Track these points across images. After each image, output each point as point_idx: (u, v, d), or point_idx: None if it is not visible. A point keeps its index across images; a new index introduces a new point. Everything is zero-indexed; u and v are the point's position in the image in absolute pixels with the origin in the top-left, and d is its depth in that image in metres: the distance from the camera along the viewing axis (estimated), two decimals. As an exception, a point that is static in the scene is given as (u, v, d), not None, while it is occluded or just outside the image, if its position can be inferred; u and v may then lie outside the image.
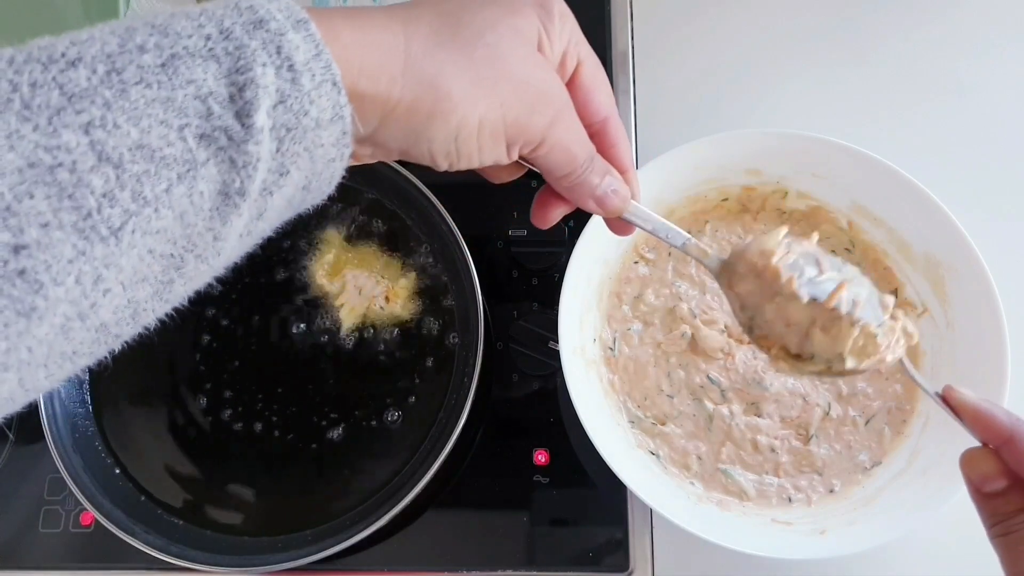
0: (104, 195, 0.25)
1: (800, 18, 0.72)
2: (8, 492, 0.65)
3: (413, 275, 0.65)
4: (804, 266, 0.39)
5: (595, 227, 0.57)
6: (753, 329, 0.41)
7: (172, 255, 0.28)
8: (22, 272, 0.24)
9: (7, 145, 0.23)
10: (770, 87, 0.70)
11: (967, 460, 0.35)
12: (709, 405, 0.58)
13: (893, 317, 0.40)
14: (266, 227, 0.31)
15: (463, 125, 0.32)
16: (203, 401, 0.64)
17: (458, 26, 0.32)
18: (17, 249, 0.23)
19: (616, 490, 0.60)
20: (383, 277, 0.65)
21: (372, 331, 0.64)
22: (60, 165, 0.24)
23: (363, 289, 0.65)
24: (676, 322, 0.60)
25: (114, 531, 0.58)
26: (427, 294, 0.64)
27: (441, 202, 0.62)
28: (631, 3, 0.72)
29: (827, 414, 0.58)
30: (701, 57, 0.72)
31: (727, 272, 0.41)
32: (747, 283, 0.40)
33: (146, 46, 0.26)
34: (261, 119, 0.27)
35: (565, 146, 0.36)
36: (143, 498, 0.62)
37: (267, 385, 0.64)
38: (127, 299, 0.27)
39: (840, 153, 0.57)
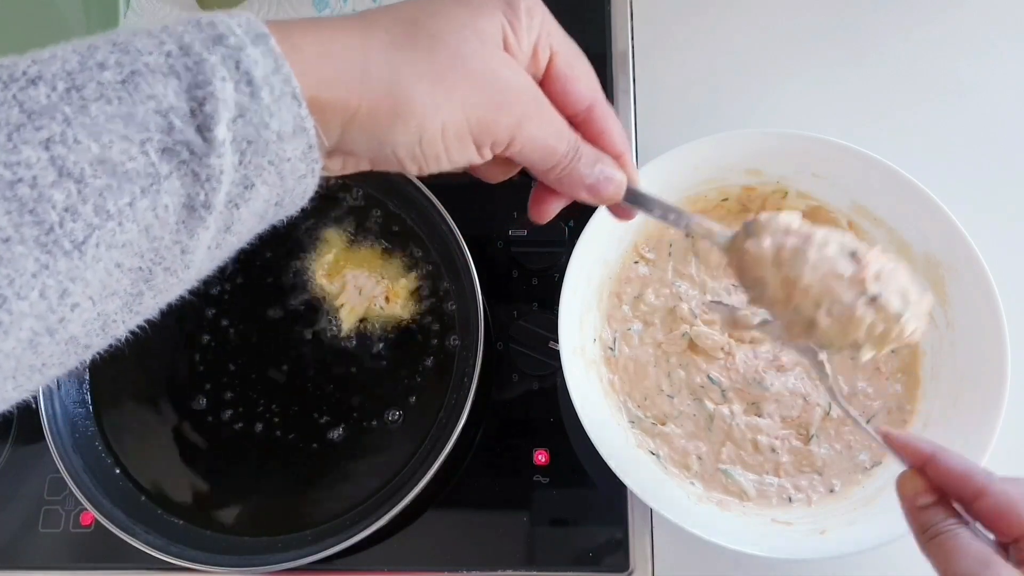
0: (66, 209, 0.25)
1: (800, 18, 0.72)
2: (8, 492, 0.65)
3: (413, 275, 0.65)
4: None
5: (595, 227, 0.57)
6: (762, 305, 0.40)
7: (140, 268, 0.28)
8: None
9: None
10: (770, 87, 0.70)
11: (901, 482, 0.40)
12: (709, 405, 0.58)
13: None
14: (237, 240, 0.31)
15: (425, 128, 0.32)
16: (203, 401, 0.64)
17: (417, 31, 0.32)
18: None
19: (616, 490, 0.60)
20: (383, 277, 0.65)
21: (372, 331, 0.64)
22: (20, 180, 0.24)
23: (363, 289, 0.65)
24: (676, 322, 0.60)
25: (114, 531, 0.58)
26: (427, 294, 0.64)
27: (441, 202, 0.62)
28: (631, 3, 0.72)
29: (827, 414, 0.58)
30: (701, 57, 0.72)
31: (740, 247, 0.39)
32: (764, 254, 0.38)
33: (106, 63, 0.26)
34: (222, 132, 0.27)
35: (540, 142, 0.35)
36: (143, 498, 0.62)
37: (267, 385, 0.64)
38: (96, 312, 0.28)
39: (840, 153, 0.57)
